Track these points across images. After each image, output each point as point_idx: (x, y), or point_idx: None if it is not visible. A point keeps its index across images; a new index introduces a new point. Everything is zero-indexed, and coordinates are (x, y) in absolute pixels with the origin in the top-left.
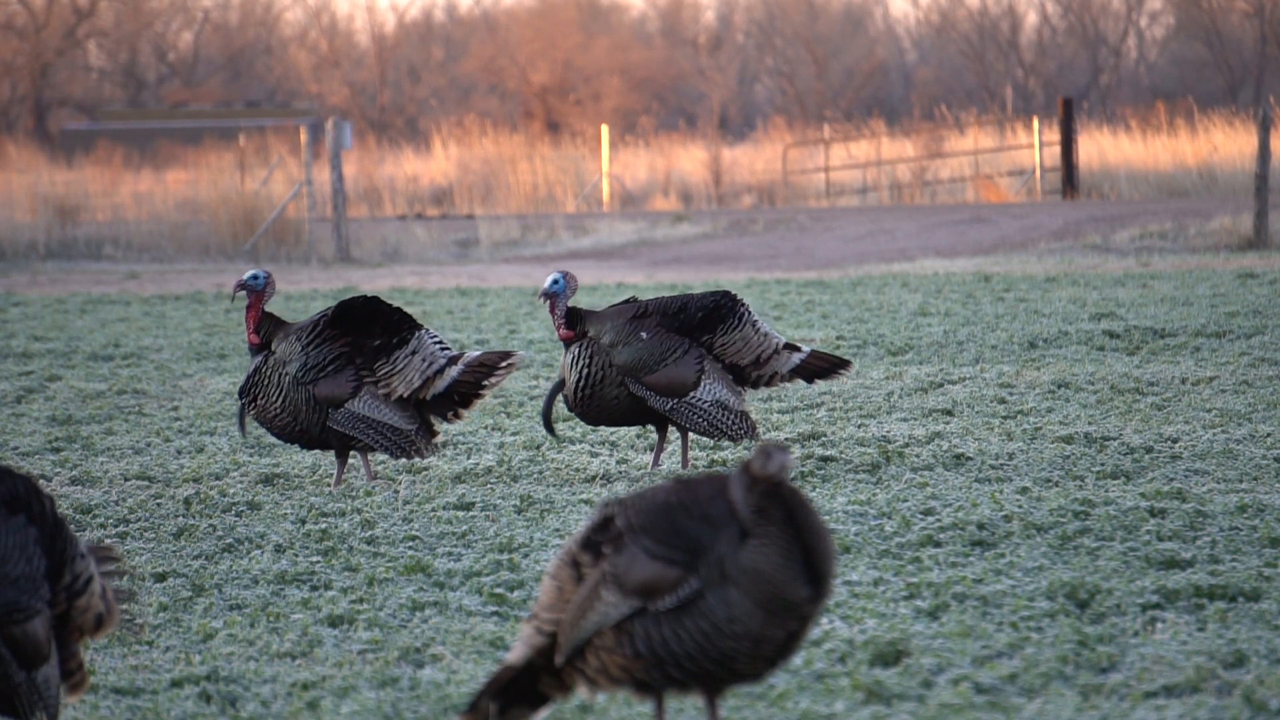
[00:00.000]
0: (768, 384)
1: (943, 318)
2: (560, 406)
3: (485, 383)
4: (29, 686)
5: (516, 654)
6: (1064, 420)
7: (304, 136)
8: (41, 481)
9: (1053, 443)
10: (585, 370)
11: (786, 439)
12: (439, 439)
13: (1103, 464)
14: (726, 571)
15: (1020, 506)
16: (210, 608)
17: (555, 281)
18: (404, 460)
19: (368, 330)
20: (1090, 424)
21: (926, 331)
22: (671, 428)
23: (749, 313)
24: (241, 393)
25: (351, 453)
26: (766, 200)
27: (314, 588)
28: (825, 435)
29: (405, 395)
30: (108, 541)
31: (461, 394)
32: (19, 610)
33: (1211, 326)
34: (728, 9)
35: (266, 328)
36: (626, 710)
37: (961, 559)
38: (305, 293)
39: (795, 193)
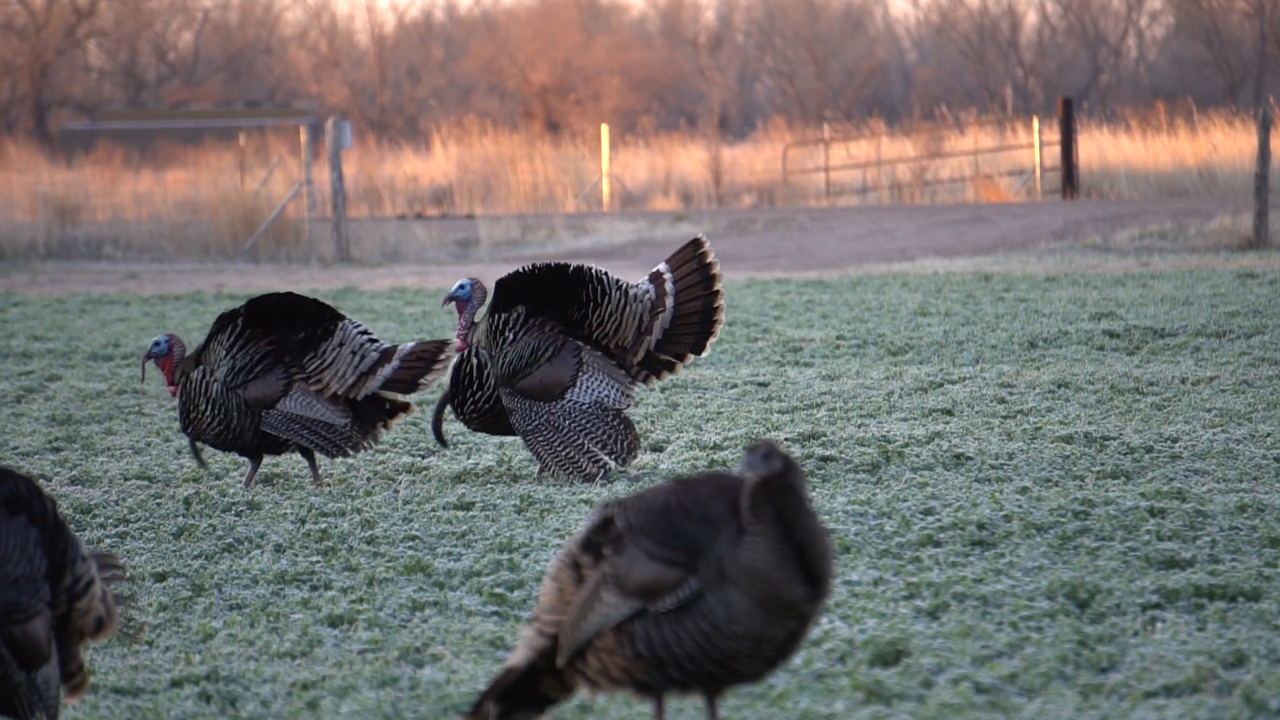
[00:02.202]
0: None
1: (943, 318)
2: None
3: (421, 380)
4: (29, 687)
5: (518, 656)
6: (1064, 420)
7: (304, 136)
8: (41, 481)
9: (1053, 443)
10: (465, 380)
11: (786, 439)
12: (382, 435)
13: (1103, 464)
14: (725, 571)
15: (1020, 506)
16: (210, 608)
17: (461, 287)
18: (340, 459)
19: (290, 325)
20: (1090, 424)
21: (926, 331)
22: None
23: (609, 279)
24: (183, 427)
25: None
26: (766, 200)
27: (314, 588)
28: (825, 435)
29: (340, 392)
30: (107, 544)
31: (392, 403)
32: (19, 610)
33: (1211, 326)
34: (728, 9)
35: (181, 371)
36: (626, 710)
37: (961, 559)
38: (305, 293)
39: (795, 193)
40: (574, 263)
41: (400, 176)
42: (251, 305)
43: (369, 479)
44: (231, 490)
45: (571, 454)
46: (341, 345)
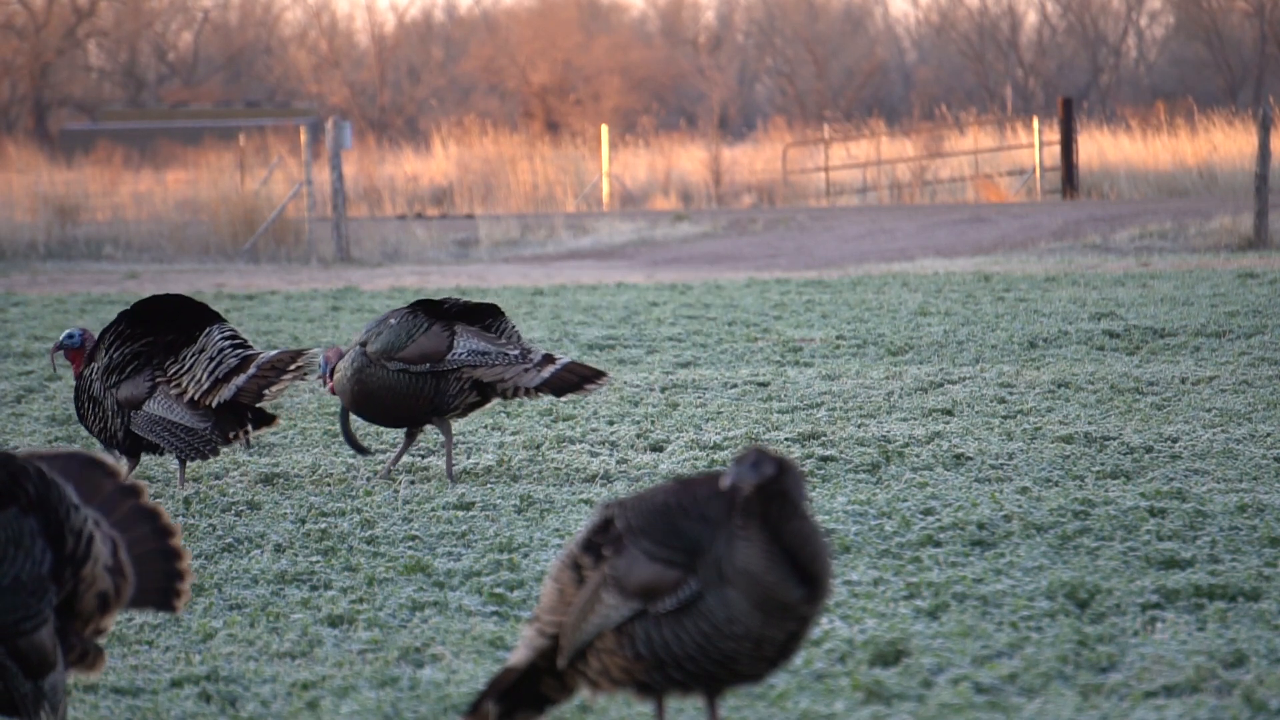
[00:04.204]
0: (513, 395)
1: (943, 318)
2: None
3: (267, 390)
4: (36, 694)
5: (519, 656)
6: (1064, 420)
7: (304, 136)
8: None
9: (1053, 443)
10: (347, 371)
11: (786, 439)
12: (249, 444)
13: (1103, 464)
14: (724, 572)
15: (1020, 506)
16: (210, 608)
17: (320, 369)
18: (199, 461)
19: (165, 328)
20: (1090, 424)
21: (926, 331)
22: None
23: (508, 324)
24: (80, 420)
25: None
26: (766, 200)
27: (314, 588)
28: (825, 435)
29: (195, 397)
30: None
31: (257, 414)
32: (27, 619)
33: (1211, 326)
34: (728, 9)
35: (86, 365)
36: (626, 710)
37: (961, 559)
38: (305, 293)
39: (795, 192)
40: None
41: (400, 176)
42: (137, 305)
43: (369, 479)
44: (231, 490)
45: (484, 367)
46: (202, 351)
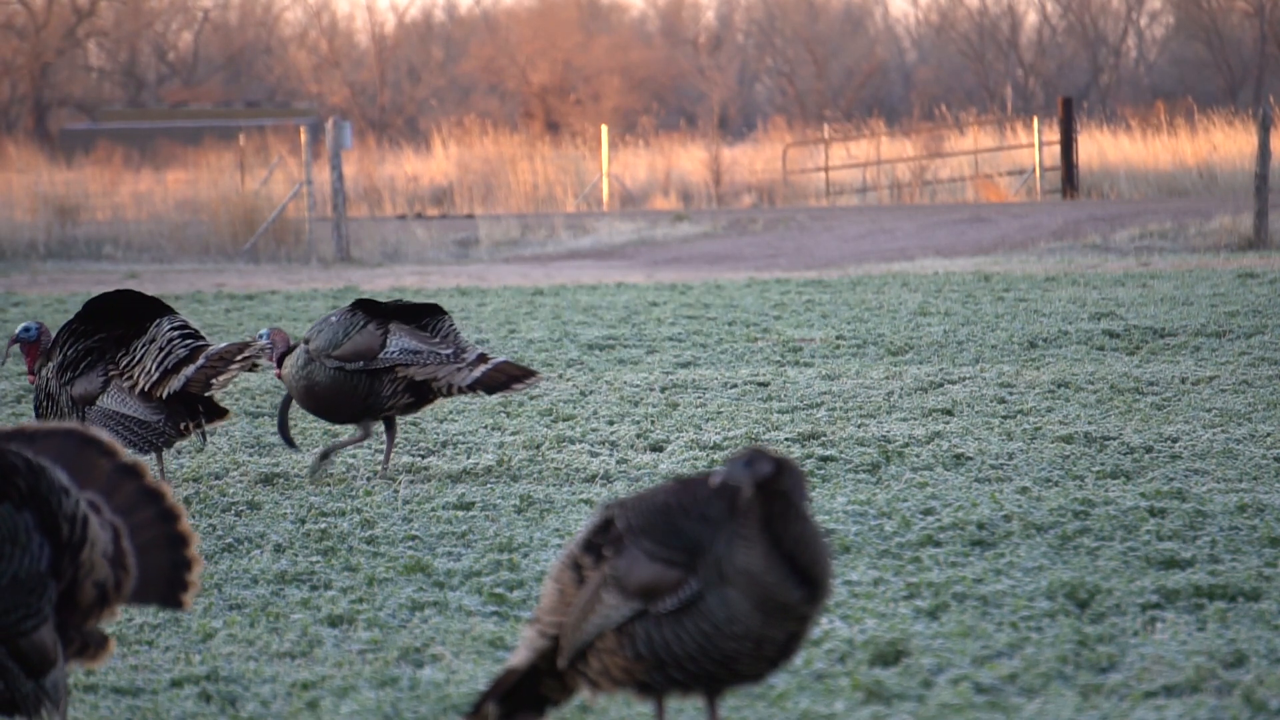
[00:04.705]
0: (448, 393)
1: (943, 318)
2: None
3: (215, 379)
4: (37, 693)
5: (519, 657)
6: (1064, 420)
7: (304, 136)
8: None
9: (1053, 443)
10: (294, 368)
11: (786, 439)
12: (209, 427)
13: (1103, 464)
14: (724, 573)
15: (1020, 506)
16: (210, 608)
17: (263, 337)
18: (151, 453)
19: (119, 323)
20: (1090, 424)
21: (926, 331)
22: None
23: (446, 324)
24: (38, 418)
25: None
26: (766, 200)
27: (314, 587)
28: (825, 435)
29: (146, 388)
30: None
31: (208, 407)
32: (28, 617)
33: (1211, 326)
34: (728, 9)
35: (42, 363)
36: (626, 710)
37: (961, 559)
38: (305, 292)
39: (795, 192)
40: (433, 306)
41: (400, 176)
42: (90, 302)
43: (369, 479)
44: (231, 490)
45: (420, 366)
46: (151, 342)
